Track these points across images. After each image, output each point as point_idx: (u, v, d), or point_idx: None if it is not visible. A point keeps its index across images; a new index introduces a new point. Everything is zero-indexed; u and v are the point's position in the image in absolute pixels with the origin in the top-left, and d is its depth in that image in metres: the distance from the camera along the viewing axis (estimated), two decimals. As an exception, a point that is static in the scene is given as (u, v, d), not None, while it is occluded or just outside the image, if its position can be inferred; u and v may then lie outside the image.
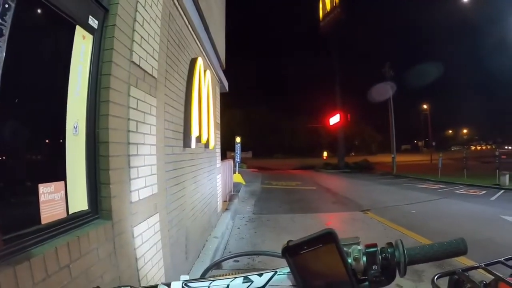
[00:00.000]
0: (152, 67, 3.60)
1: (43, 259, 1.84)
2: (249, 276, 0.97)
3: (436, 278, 1.16)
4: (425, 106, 52.71)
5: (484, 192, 16.00)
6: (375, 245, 0.91)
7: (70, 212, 2.30)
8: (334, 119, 45.57)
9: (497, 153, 20.29)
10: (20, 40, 1.84)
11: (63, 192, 2.24)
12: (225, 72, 10.64)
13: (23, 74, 1.99)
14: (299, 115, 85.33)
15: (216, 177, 8.99)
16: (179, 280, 1.02)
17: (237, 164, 20.67)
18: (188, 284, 0.99)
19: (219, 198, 9.33)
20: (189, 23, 5.53)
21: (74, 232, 2.26)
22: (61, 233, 2.15)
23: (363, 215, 10.67)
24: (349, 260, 0.86)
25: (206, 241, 6.60)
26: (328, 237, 0.81)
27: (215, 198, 8.56)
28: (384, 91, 34.07)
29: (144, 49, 3.37)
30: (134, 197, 3.05)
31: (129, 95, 3.00)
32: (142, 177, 3.25)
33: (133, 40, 3.10)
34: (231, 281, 0.97)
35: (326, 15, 46.70)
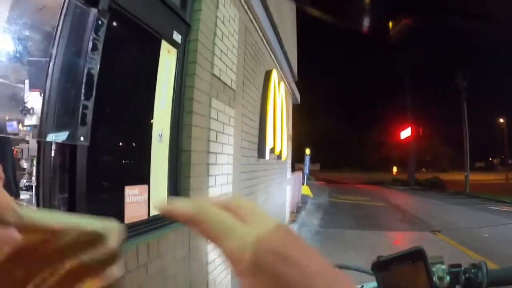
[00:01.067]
0: (231, 79, 3.74)
1: (124, 257, 1.96)
2: None
3: None
4: (501, 120, 48.78)
5: None
6: (459, 265, 0.91)
7: (151, 214, 2.45)
8: (405, 133, 43.62)
9: None
10: (112, 54, 2.00)
11: (146, 195, 2.39)
12: (296, 84, 10.68)
13: (114, 85, 2.17)
14: (368, 128, 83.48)
15: (286, 188, 9.02)
16: None
17: (305, 176, 20.51)
18: None
19: (287, 209, 9.34)
20: (263, 36, 5.65)
21: (154, 233, 2.39)
22: (142, 233, 2.29)
23: (432, 236, 10.05)
24: (434, 279, 0.86)
25: (273, 251, 6.61)
26: (417, 255, 0.82)
27: (284, 209, 8.59)
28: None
29: (224, 62, 3.51)
30: (211, 204, 3.15)
31: (210, 106, 3.15)
32: (218, 186, 3.38)
33: (214, 54, 3.25)
34: None
35: (395, 23, 45.21)
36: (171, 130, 2.71)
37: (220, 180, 3.41)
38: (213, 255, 3.25)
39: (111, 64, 2.02)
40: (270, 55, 6.39)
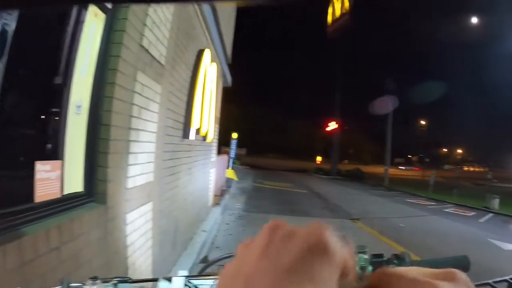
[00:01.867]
0: (161, 53, 3.54)
1: (34, 239, 1.78)
2: None
3: None
4: (422, 122, 52.77)
5: (474, 213, 15.82)
6: (382, 255, 0.91)
7: (65, 192, 2.25)
8: (332, 125, 45.61)
9: (489, 176, 20.51)
10: (32, 11, 1.77)
11: (59, 171, 2.18)
12: (229, 66, 10.58)
13: (30, 47, 1.93)
14: (296, 117, 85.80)
15: (210, 171, 8.95)
16: (177, 275, 0.99)
17: (231, 160, 20.60)
18: (191, 280, 0.98)
19: (211, 192, 9.29)
20: (200, 13, 5.47)
21: (67, 213, 2.21)
22: (54, 213, 2.10)
23: (352, 223, 10.66)
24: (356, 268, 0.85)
25: (194, 234, 6.56)
26: None
27: (207, 192, 8.53)
28: (384, 105, 34.04)
29: (154, 35, 3.31)
30: (130, 183, 3.00)
31: (135, 80, 2.94)
32: (139, 164, 3.21)
33: (145, 24, 3.05)
34: None
35: (334, 20, 46.57)
36: (91, 101, 2.48)
37: (141, 158, 3.24)
38: (132, 237, 3.10)
39: (30, 22, 1.78)
40: (205, 34, 6.21)
